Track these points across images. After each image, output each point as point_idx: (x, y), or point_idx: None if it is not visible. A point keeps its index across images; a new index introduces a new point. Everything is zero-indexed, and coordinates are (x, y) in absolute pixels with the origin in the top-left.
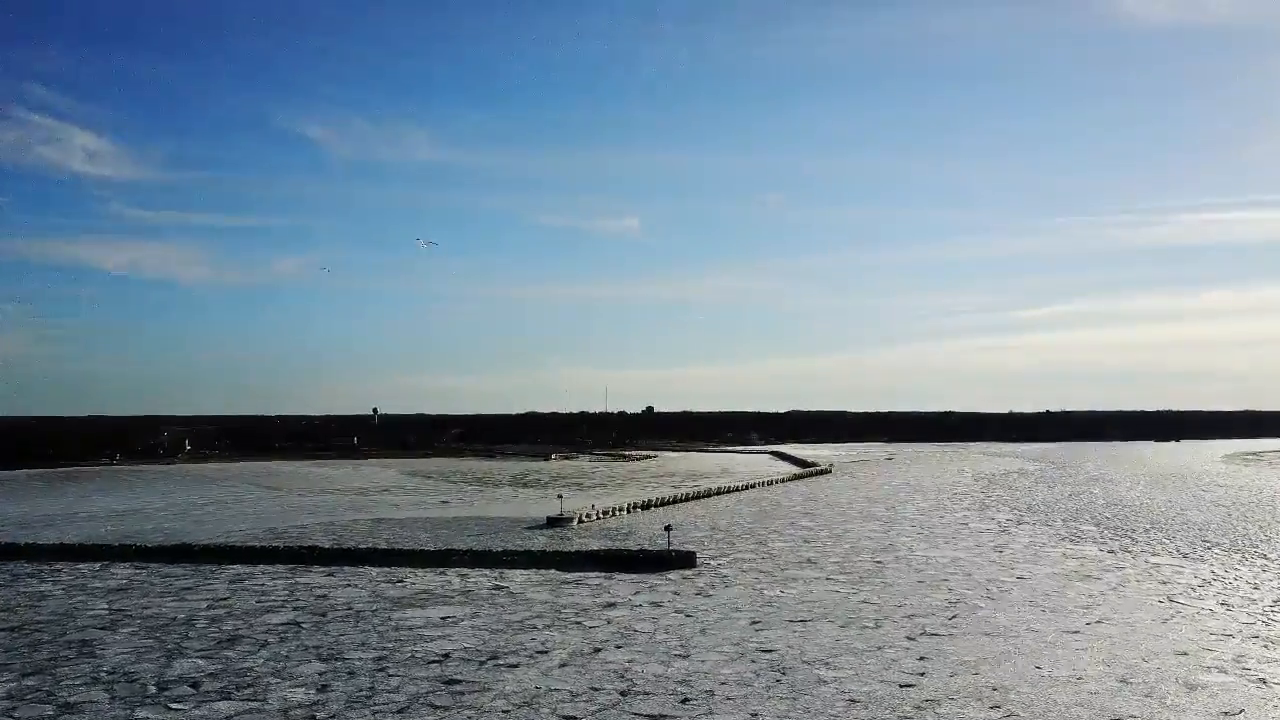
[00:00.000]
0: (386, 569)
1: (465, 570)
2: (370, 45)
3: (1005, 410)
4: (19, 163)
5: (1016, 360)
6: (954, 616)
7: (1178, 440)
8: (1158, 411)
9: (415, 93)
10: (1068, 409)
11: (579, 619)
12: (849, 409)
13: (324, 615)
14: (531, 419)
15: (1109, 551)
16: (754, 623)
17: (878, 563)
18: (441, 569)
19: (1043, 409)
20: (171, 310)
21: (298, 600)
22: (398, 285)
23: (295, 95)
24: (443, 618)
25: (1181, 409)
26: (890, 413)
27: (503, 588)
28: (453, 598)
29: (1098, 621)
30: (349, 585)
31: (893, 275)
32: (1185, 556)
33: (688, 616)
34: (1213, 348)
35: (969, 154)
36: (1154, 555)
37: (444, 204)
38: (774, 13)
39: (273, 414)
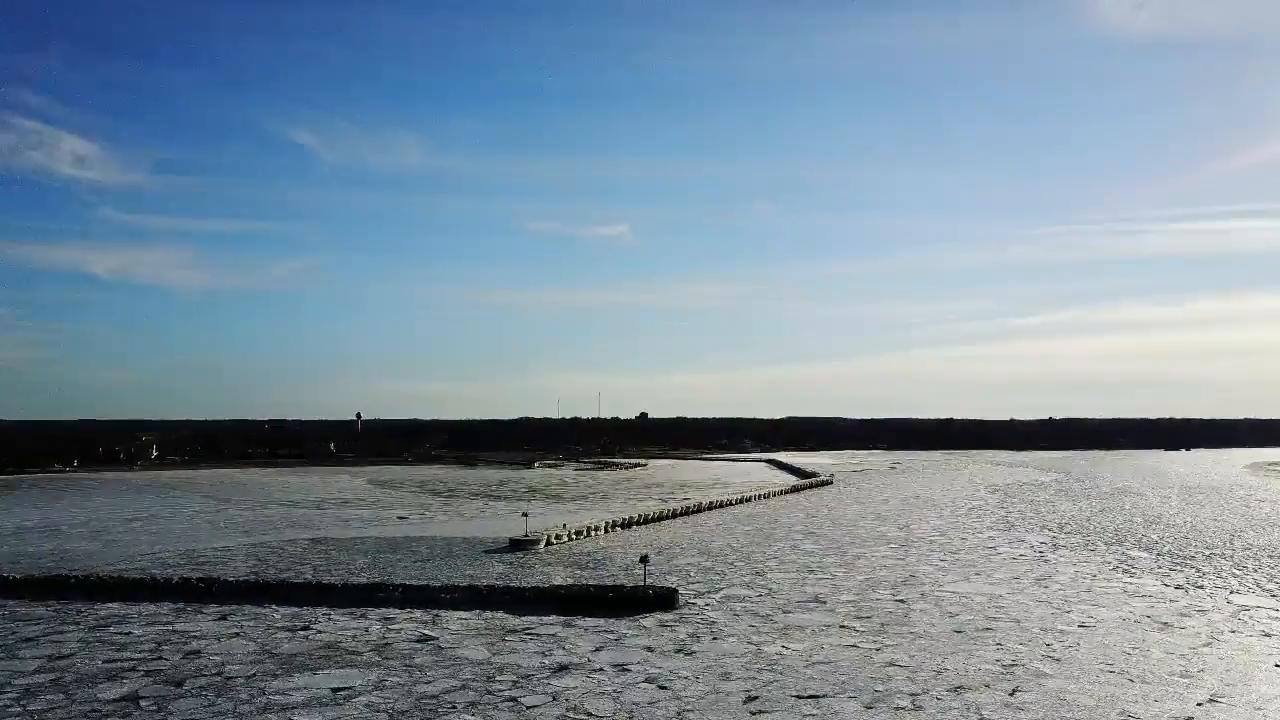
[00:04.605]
0: (295, 609)
1: (392, 612)
2: (360, 51)
3: (1004, 418)
4: (8, 167)
5: (1009, 368)
6: (1015, 690)
7: (1188, 449)
8: (1161, 419)
9: (406, 98)
10: (1065, 416)
11: (515, 692)
12: (845, 416)
13: (180, 685)
14: (522, 425)
15: (1176, 586)
16: (749, 699)
17: (900, 602)
18: (364, 609)
19: (1037, 416)
20: (162, 314)
21: (160, 659)
22: (389, 291)
23: (284, 100)
24: (334, 689)
25: (1180, 417)
26: (889, 419)
27: (430, 639)
28: (360, 655)
29: (1210, 700)
30: (237, 634)
31: (884, 282)
32: (1274, 596)
33: (661, 689)
34: (1206, 356)
35: (959, 162)
36: (1234, 592)
37: (434, 210)
38: (766, 20)
39: (262, 419)
